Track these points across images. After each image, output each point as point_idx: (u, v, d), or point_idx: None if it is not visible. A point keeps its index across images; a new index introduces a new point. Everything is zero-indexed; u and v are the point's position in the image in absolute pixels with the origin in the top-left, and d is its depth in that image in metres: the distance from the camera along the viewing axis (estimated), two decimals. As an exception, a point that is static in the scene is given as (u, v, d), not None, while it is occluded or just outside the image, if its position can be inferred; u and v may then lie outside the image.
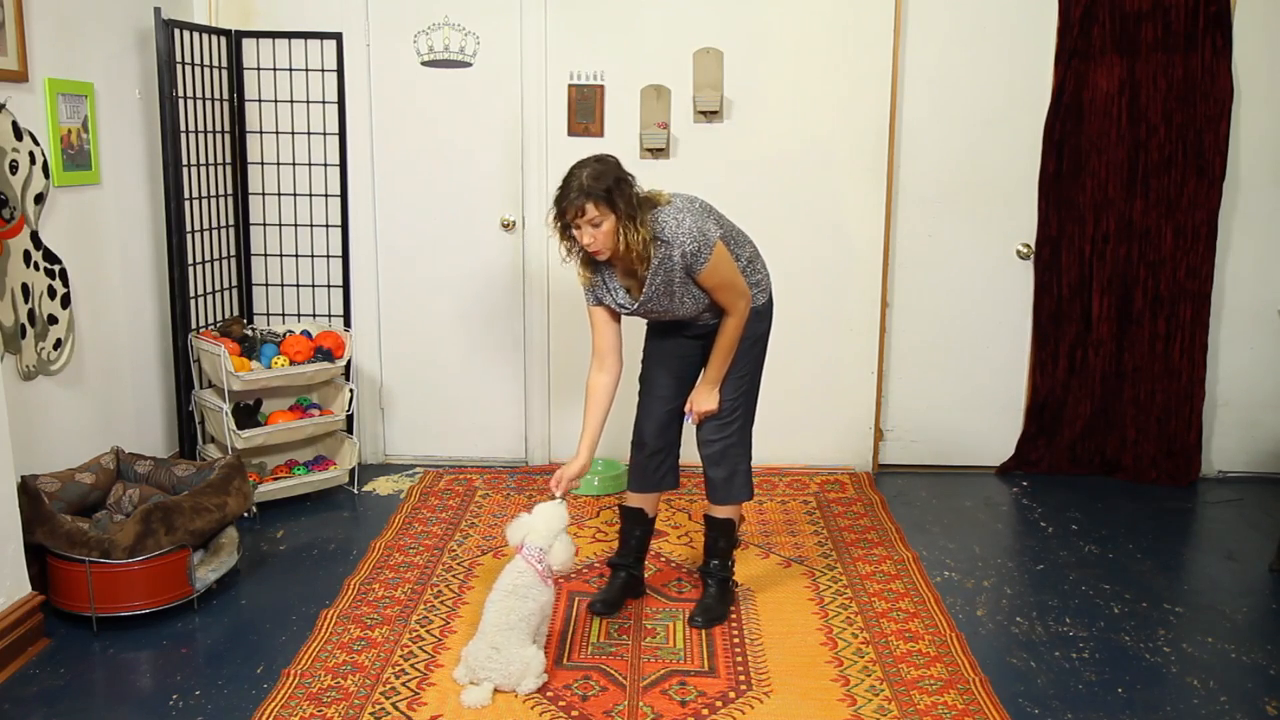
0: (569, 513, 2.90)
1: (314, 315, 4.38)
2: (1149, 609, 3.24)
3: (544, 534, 2.79)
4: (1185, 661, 2.92)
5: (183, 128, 3.84)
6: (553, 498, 2.90)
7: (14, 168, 3.03)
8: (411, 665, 2.83)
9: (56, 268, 3.24)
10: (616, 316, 2.98)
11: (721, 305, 2.90)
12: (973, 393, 4.47)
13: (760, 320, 3.03)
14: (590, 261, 2.88)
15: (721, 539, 3.17)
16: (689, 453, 3.27)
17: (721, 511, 3.15)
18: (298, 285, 4.37)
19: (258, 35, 4.16)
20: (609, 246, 2.77)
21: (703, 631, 3.03)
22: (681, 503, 4.04)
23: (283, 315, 4.39)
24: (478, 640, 2.71)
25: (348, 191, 4.28)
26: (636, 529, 3.22)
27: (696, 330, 3.03)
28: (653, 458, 3.14)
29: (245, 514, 3.56)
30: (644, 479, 3.17)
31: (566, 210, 2.73)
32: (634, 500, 3.21)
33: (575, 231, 2.76)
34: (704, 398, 3.02)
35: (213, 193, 4.09)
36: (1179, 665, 2.90)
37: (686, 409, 3.07)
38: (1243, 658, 2.95)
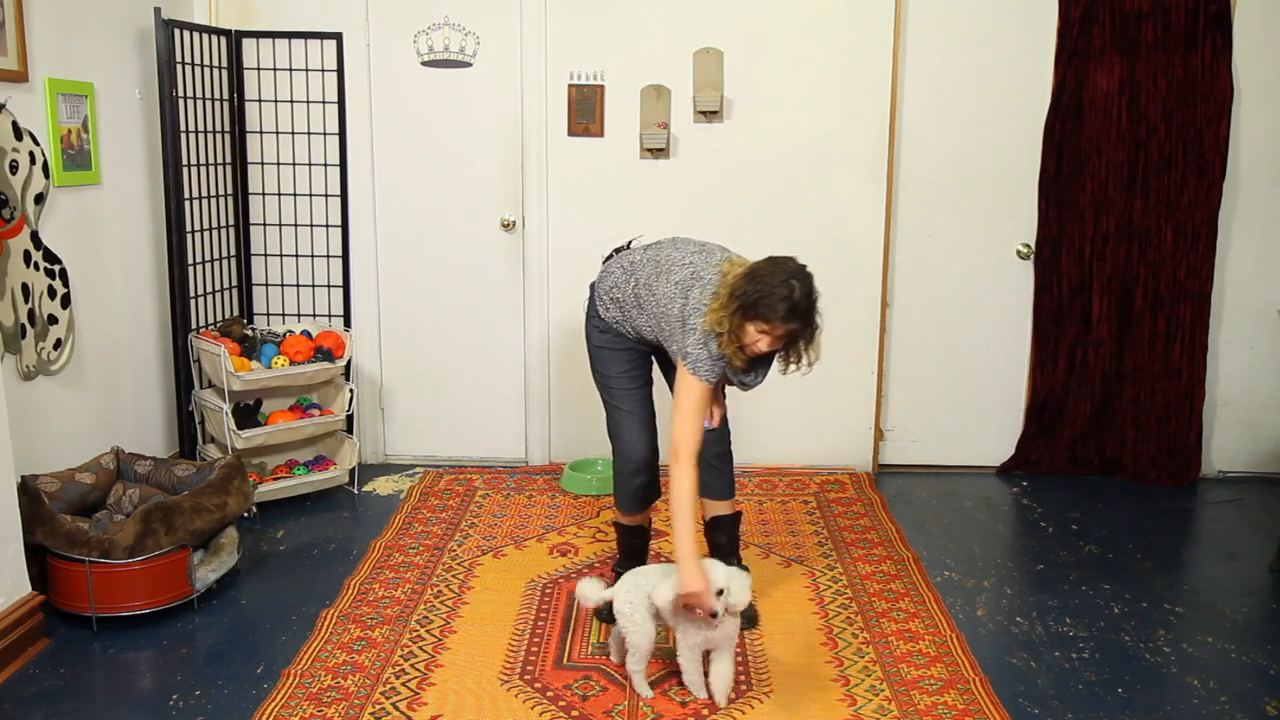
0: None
1: (314, 315, 4.38)
2: (1149, 609, 3.24)
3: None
4: (1185, 661, 2.92)
5: (183, 128, 3.84)
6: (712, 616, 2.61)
7: (14, 168, 3.03)
8: (411, 665, 2.83)
9: (56, 268, 3.24)
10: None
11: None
12: (973, 393, 4.47)
13: None
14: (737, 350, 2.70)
15: (735, 535, 3.21)
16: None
17: (728, 508, 3.18)
18: (298, 285, 4.37)
19: (258, 35, 4.16)
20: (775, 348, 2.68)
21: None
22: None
23: (283, 315, 4.39)
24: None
25: (348, 191, 4.28)
26: (637, 539, 3.23)
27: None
28: (648, 479, 3.11)
29: (245, 514, 3.56)
30: (641, 500, 3.13)
31: (774, 323, 2.56)
32: (631, 520, 3.19)
33: (757, 334, 2.61)
34: (720, 399, 3.05)
35: (213, 193, 4.09)
36: (1179, 665, 2.90)
37: (706, 418, 2.99)
38: (1243, 658, 2.95)
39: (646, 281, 2.86)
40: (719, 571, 2.62)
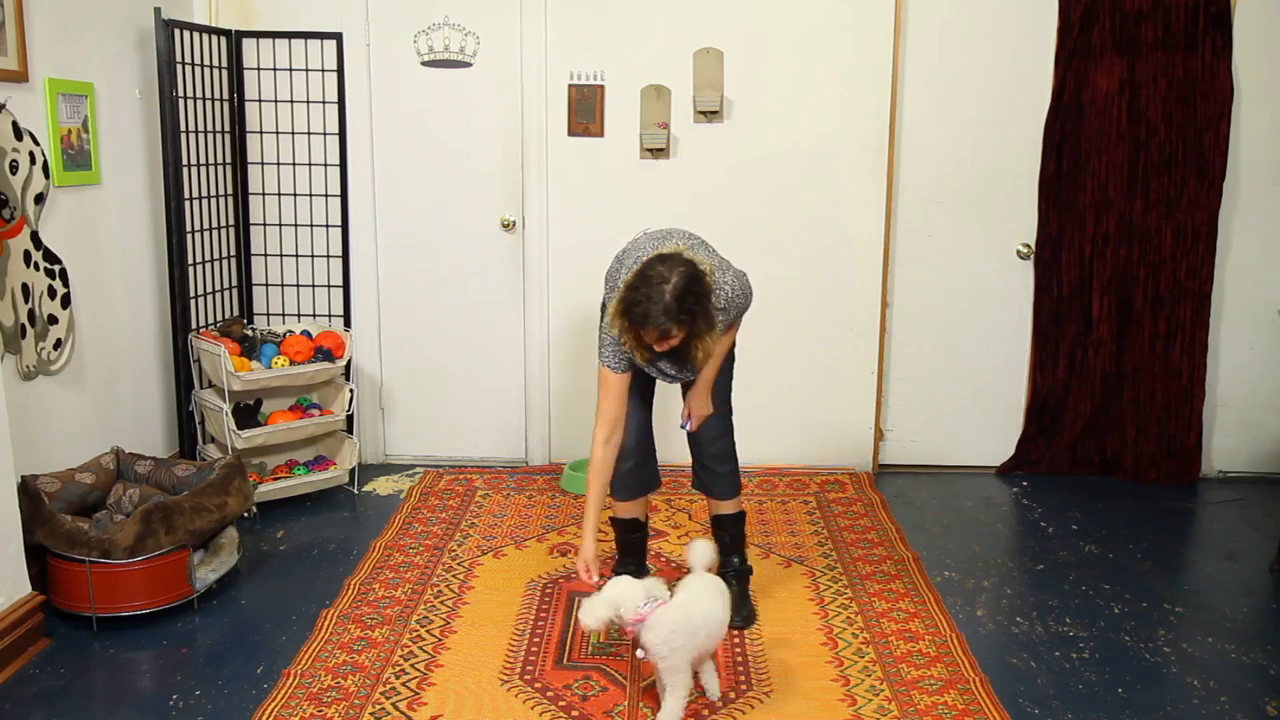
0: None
1: (314, 315, 4.38)
2: (1149, 609, 3.24)
3: (639, 595, 2.57)
4: (1185, 661, 2.92)
5: (183, 128, 3.84)
6: (596, 587, 2.67)
7: (14, 168, 3.03)
8: (411, 665, 2.83)
9: (56, 268, 3.24)
10: (630, 385, 2.92)
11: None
12: (973, 393, 4.47)
13: (740, 319, 3.05)
14: (640, 348, 2.75)
15: (738, 534, 3.19)
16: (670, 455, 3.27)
17: (731, 507, 3.17)
18: (298, 285, 4.37)
19: (258, 35, 4.16)
20: (681, 349, 2.70)
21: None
22: (681, 503, 4.04)
23: (283, 315, 4.39)
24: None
25: (348, 191, 4.28)
26: (633, 534, 3.22)
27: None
28: (637, 465, 3.12)
29: (245, 514, 3.56)
30: (632, 486, 3.14)
31: (647, 332, 2.59)
32: (625, 510, 3.19)
33: (649, 339, 2.64)
34: (701, 402, 3.02)
35: (213, 193, 4.09)
36: (1179, 665, 2.90)
37: (683, 417, 3.06)
38: (1243, 658, 2.95)
39: (616, 269, 2.90)
40: (615, 590, 2.56)
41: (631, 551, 3.22)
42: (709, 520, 3.23)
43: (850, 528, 3.83)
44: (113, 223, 3.63)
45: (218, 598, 3.25)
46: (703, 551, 2.77)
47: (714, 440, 3.10)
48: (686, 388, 3.06)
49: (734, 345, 3.10)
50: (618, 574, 3.18)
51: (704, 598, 2.60)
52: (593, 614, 2.55)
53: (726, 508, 3.17)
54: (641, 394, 3.09)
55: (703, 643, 2.56)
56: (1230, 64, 4.10)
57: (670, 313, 2.55)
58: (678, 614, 2.53)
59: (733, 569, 3.18)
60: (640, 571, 3.24)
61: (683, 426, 3.08)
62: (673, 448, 3.21)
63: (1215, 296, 4.29)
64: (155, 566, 3.03)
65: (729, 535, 3.18)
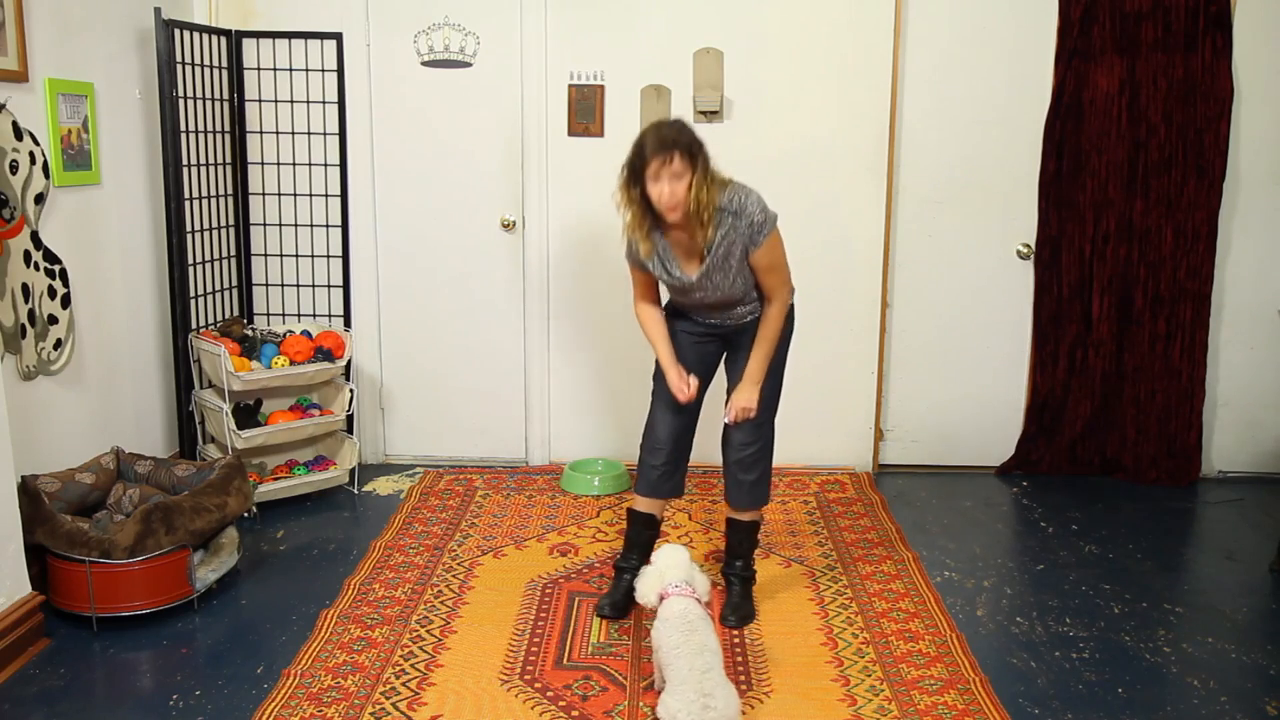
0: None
1: (314, 315, 4.38)
2: (1149, 609, 3.24)
3: (683, 568, 2.69)
4: (1185, 661, 2.92)
5: (183, 128, 3.84)
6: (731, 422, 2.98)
7: (14, 168, 3.03)
8: (411, 665, 2.83)
9: (56, 268, 3.24)
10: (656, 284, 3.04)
11: (767, 290, 2.96)
12: (973, 393, 4.47)
13: (791, 319, 3.10)
14: (649, 238, 2.91)
15: (747, 541, 3.18)
16: (700, 454, 3.28)
17: (749, 515, 3.15)
18: (298, 285, 4.37)
19: (258, 35, 4.16)
20: (684, 203, 2.78)
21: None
22: (681, 503, 4.04)
23: (283, 315, 4.39)
24: (678, 696, 2.39)
25: (348, 191, 4.28)
26: (645, 531, 3.21)
27: (727, 326, 3.04)
28: (666, 464, 3.12)
29: (245, 514, 3.56)
30: (656, 485, 3.14)
31: (652, 159, 2.73)
32: (645, 505, 3.19)
33: (653, 186, 2.76)
34: (746, 395, 2.99)
35: (213, 193, 4.09)
36: (1179, 665, 2.90)
37: (726, 410, 3.04)
38: (1243, 658, 2.95)
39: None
40: (663, 560, 2.74)
41: (638, 546, 3.21)
42: (725, 518, 3.22)
43: (850, 528, 3.83)
44: (113, 223, 3.63)
45: (218, 598, 3.25)
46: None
47: (744, 446, 3.07)
48: (734, 384, 3.08)
49: (782, 359, 3.09)
50: (619, 568, 3.20)
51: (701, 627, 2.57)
52: (646, 591, 2.71)
53: (741, 514, 3.16)
54: (699, 385, 3.07)
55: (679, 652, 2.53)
56: (1230, 64, 4.10)
57: (669, 142, 2.72)
58: (681, 618, 2.56)
59: (736, 571, 3.18)
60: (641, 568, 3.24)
61: (724, 420, 3.06)
62: (700, 449, 3.23)
63: (1215, 296, 4.29)
64: (155, 566, 3.03)
65: (738, 539, 3.18)
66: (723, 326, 3.05)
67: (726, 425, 3.08)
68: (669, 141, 2.73)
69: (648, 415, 3.17)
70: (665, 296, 3.12)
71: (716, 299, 2.95)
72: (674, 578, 2.68)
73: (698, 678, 2.40)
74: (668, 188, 2.75)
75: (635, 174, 2.80)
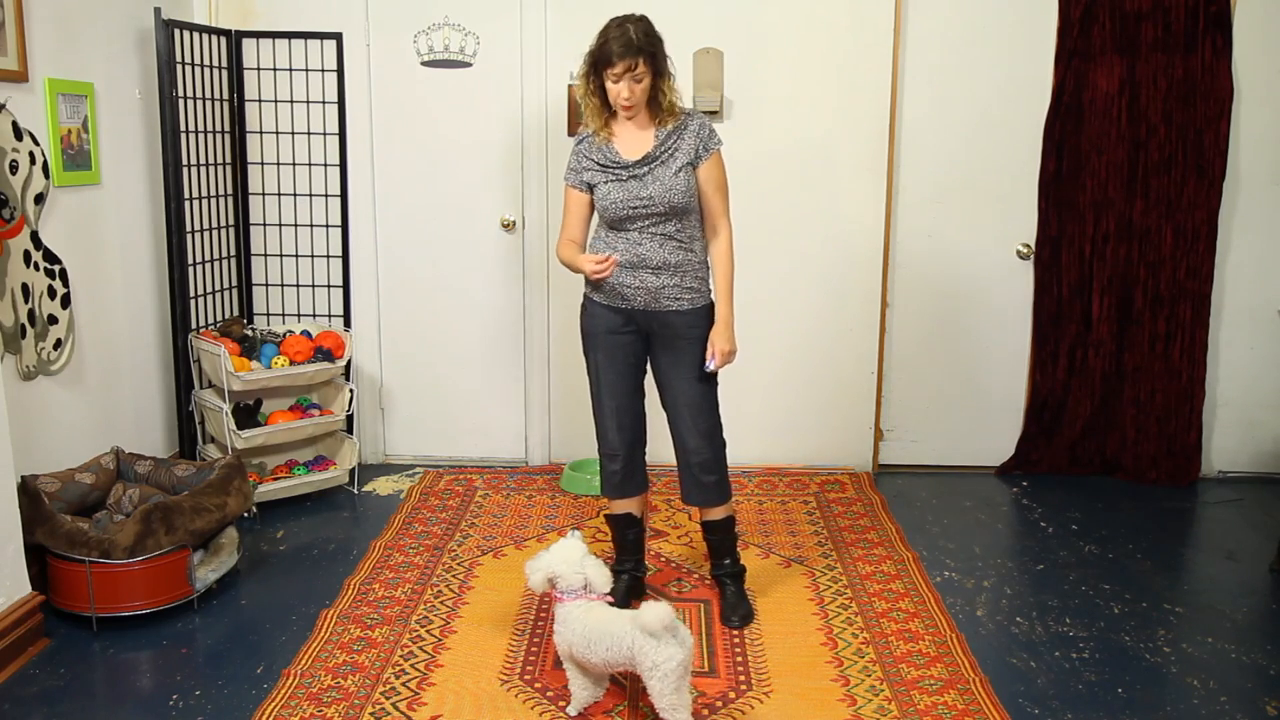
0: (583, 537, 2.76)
1: (314, 315, 4.38)
2: (1149, 609, 3.24)
3: (574, 563, 2.60)
4: (1185, 661, 2.92)
5: (183, 128, 3.84)
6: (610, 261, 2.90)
7: (14, 168, 3.03)
8: (411, 665, 2.83)
9: (56, 268, 3.24)
10: (591, 210, 3.04)
11: (711, 214, 3.03)
12: (973, 393, 4.47)
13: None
14: (607, 126, 2.97)
15: (728, 536, 3.18)
16: (657, 450, 3.28)
17: (721, 511, 3.16)
18: (298, 285, 4.37)
19: (258, 35, 4.16)
20: (641, 103, 2.91)
21: (703, 632, 3.03)
22: (680, 503, 4.03)
23: (283, 315, 4.39)
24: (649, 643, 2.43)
25: (348, 191, 4.28)
26: (629, 530, 3.22)
27: (651, 310, 2.96)
28: (625, 465, 3.13)
29: (245, 514, 3.56)
30: (621, 486, 3.16)
31: (617, 63, 2.82)
32: (620, 507, 3.21)
33: (613, 86, 2.87)
34: (724, 338, 2.98)
35: (213, 193, 4.09)
36: (1179, 665, 2.90)
37: (709, 354, 2.99)
38: (1243, 658, 2.95)
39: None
40: (553, 557, 2.63)
41: (628, 549, 3.22)
42: (700, 523, 3.22)
43: (850, 528, 3.83)
44: (113, 223, 3.63)
45: (218, 598, 3.25)
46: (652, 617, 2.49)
47: (700, 451, 3.06)
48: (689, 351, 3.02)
49: (717, 377, 3.06)
50: (615, 572, 3.19)
51: (615, 630, 2.49)
52: (535, 578, 2.63)
53: (715, 513, 3.16)
54: (620, 388, 3.06)
55: (600, 659, 2.52)
56: (1230, 64, 4.10)
57: (634, 48, 2.81)
58: (579, 623, 2.55)
59: (726, 570, 3.18)
60: (639, 569, 3.25)
61: (706, 367, 3.01)
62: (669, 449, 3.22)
63: (1215, 296, 4.29)
64: (155, 566, 3.03)
65: (718, 539, 3.18)
66: (646, 310, 2.97)
67: (678, 424, 3.04)
68: (634, 48, 2.81)
69: (594, 419, 3.14)
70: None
71: (652, 208, 2.91)
72: (571, 585, 2.58)
73: (630, 640, 2.44)
74: (626, 89, 2.86)
75: (596, 69, 2.89)
